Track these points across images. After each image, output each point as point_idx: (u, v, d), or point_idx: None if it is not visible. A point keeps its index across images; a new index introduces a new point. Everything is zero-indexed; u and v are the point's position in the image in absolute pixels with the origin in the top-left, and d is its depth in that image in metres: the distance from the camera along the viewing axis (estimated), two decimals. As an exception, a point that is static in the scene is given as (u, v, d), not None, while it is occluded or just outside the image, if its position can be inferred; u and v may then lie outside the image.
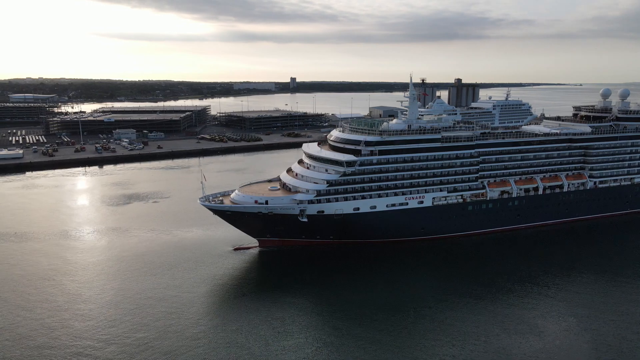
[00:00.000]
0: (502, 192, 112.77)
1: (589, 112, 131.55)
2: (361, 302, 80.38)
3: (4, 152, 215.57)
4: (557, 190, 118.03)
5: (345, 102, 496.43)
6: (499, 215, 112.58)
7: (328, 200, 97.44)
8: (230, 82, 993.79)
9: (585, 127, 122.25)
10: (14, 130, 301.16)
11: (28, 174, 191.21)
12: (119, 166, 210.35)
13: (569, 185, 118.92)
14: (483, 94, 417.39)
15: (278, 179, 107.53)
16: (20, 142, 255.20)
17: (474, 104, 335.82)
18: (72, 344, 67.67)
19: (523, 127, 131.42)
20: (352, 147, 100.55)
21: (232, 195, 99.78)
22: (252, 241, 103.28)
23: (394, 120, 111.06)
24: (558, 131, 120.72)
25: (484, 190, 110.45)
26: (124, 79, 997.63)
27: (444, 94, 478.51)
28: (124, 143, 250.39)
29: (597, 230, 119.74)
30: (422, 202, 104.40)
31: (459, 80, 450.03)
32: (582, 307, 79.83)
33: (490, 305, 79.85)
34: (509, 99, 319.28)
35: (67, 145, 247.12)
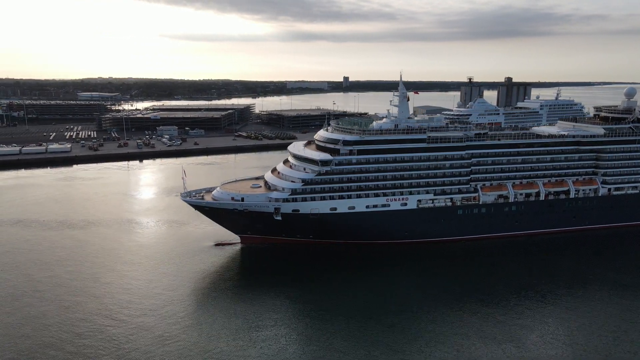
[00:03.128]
0: (499, 197, 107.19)
1: (610, 112, 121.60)
2: (339, 302, 79.97)
3: (55, 146, 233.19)
4: (563, 196, 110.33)
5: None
6: (494, 221, 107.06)
7: (304, 199, 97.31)
8: (284, 81, 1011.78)
9: (598, 129, 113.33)
10: (72, 126, 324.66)
11: (75, 166, 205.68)
12: (158, 161, 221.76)
13: (576, 191, 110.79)
14: (536, 93, 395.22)
15: (263, 178, 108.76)
16: (74, 137, 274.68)
17: (520, 104, 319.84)
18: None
19: (533, 128, 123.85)
20: (332, 146, 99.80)
21: (214, 192, 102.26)
22: (235, 238, 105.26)
23: (384, 120, 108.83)
24: (566, 133, 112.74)
25: (476, 194, 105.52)
26: (185, 78, 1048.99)
27: (492, 94, 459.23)
28: (164, 139, 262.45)
29: (609, 241, 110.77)
30: (405, 204, 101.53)
31: (509, 79, 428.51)
32: (575, 320, 75.41)
33: (473, 312, 76.95)
34: (560, 98, 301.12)
35: (113, 140, 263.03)
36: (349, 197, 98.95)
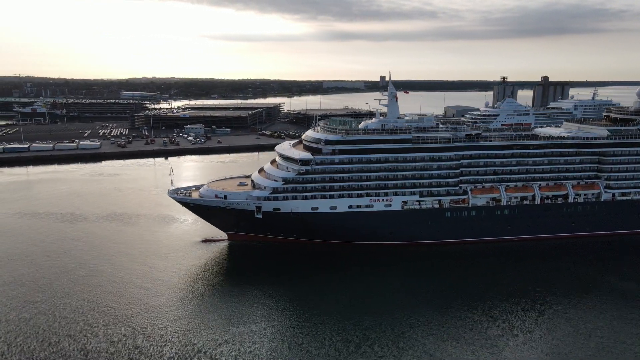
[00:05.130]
0: (491, 200, 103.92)
1: (619, 114, 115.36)
2: (319, 302, 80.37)
3: (85, 142, 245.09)
4: (561, 200, 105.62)
5: (425, 101, 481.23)
6: (485, 225, 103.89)
7: (285, 198, 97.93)
8: (321, 80, 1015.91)
9: (601, 131, 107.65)
10: (107, 124, 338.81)
11: (104, 162, 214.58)
12: (182, 158, 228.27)
13: (576, 195, 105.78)
14: (575, 92, 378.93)
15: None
16: (107, 134, 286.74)
17: (552, 104, 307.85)
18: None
19: (536, 129, 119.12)
20: (315, 145, 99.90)
21: (201, 189, 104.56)
22: (222, 235, 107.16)
23: (373, 120, 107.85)
24: (566, 134, 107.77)
25: (465, 197, 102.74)
26: (224, 78, 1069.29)
27: (527, 93, 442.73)
28: (189, 137, 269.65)
29: (613, 248, 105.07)
30: (389, 205, 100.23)
31: (545, 78, 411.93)
32: (562, 329, 72.89)
33: (456, 317, 75.69)
34: (596, 98, 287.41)
35: (142, 138, 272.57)
36: (331, 196, 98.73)
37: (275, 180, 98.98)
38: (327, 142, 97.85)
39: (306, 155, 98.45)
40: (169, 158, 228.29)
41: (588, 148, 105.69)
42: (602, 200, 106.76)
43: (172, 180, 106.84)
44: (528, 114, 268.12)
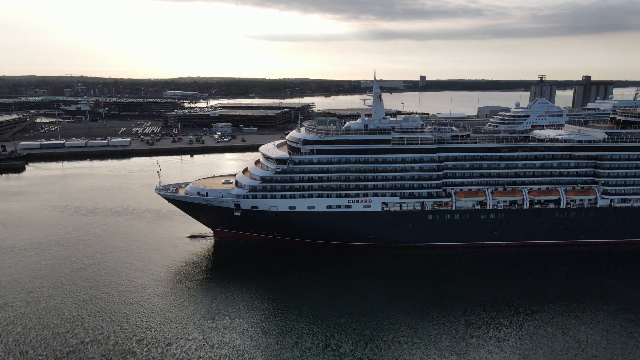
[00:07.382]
0: (477, 203, 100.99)
1: (624, 115, 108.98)
2: (294, 301, 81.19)
3: (116, 140, 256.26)
4: (552, 205, 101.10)
5: (459, 101, 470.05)
6: (469, 229, 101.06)
7: (264, 197, 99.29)
8: (360, 80, 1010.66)
9: (599, 134, 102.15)
10: (142, 122, 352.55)
11: (133, 159, 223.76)
12: (207, 156, 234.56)
13: (571, 200, 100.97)
14: (620, 92, 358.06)
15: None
16: (139, 132, 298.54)
17: (590, 105, 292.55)
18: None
19: (534, 131, 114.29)
20: (295, 145, 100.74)
21: (187, 186, 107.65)
22: (209, 231, 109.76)
23: (358, 120, 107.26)
24: (560, 137, 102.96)
25: (448, 199, 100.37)
26: (265, 77, 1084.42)
27: (567, 94, 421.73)
28: (215, 136, 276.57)
29: (609, 256, 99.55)
30: (368, 207, 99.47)
31: (587, 77, 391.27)
32: (538, 339, 70.59)
33: (429, 321, 74.87)
34: (638, 98, 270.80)
35: (170, 136, 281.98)
36: (310, 196, 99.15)
37: (254, 179, 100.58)
38: (305, 142, 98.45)
39: (283, 154, 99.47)
40: (195, 156, 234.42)
41: (582, 152, 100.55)
42: (598, 206, 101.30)
43: (159, 177, 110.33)
44: (561, 115, 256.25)
